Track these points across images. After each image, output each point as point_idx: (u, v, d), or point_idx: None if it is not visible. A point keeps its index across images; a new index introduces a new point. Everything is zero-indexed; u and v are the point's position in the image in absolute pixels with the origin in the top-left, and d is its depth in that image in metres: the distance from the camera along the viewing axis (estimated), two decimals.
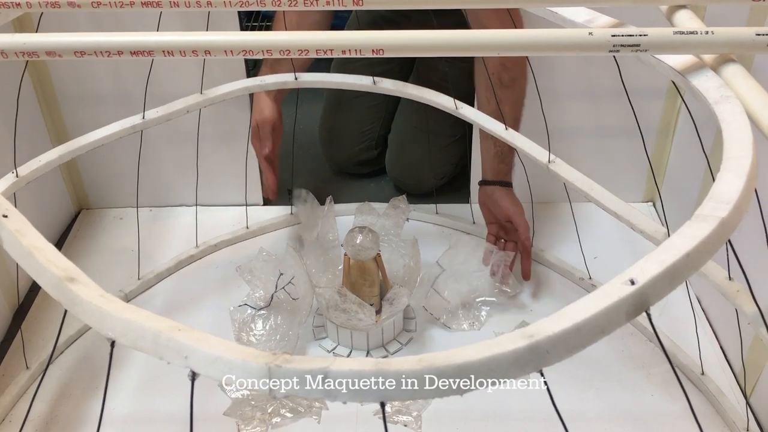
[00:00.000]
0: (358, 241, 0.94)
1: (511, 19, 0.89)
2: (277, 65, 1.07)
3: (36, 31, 0.82)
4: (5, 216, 0.42)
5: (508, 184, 1.06)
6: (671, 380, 0.91)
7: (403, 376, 0.31)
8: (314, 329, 1.01)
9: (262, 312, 0.97)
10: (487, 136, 1.03)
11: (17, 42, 0.51)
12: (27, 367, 0.95)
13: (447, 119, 1.09)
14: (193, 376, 0.34)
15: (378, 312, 0.96)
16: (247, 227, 1.22)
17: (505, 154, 1.05)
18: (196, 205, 1.21)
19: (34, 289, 1.09)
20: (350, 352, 0.98)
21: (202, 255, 1.17)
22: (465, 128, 1.21)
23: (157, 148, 1.19)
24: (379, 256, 0.97)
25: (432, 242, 1.17)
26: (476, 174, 1.24)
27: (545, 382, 0.33)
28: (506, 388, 0.33)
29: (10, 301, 1.06)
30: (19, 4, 0.58)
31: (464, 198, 1.27)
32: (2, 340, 1.02)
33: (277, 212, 1.26)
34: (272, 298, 0.97)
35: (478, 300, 1.03)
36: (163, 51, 0.50)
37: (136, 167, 1.04)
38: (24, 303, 1.08)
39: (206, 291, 1.10)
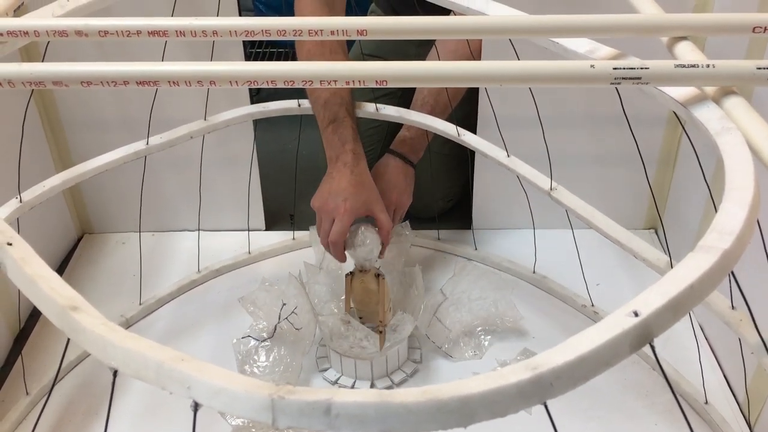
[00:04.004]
0: (357, 237, 0.93)
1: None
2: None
3: (43, 60, 0.83)
4: (9, 244, 0.42)
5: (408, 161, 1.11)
6: (675, 409, 0.90)
7: (407, 408, 0.31)
8: (317, 360, 1.01)
9: (266, 343, 0.96)
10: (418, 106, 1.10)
11: (24, 72, 0.51)
12: (27, 393, 0.95)
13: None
14: (196, 406, 0.34)
15: (382, 332, 0.95)
16: (249, 252, 1.22)
17: (416, 137, 1.10)
18: (198, 230, 1.21)
19: (35, 314, 1.09)
20: (354, 382, 0.98)
21: (204, 280, 1.17)
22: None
23: (160, 174, 1.19)
24: (384, 279, 0.97)
25: (434, 268, 1.17)
26: (478, 200, 1.25)
27: (549, 416, 0.33)
28: (509, 416, 0.33)
29: (11, 326, 1.05)
30: (27, 33, 0.58)
31: (466, 224, 1.28)
32: (2, 365, 1.01)
33: (279, 237, 1.26)
34: (275, 329, 0.96)
35: (479, 328, 1.03)
36: (169, 81, 0.50)
37: (139, 192, 1.04)
38: (25, 328, 1.08)
39: (208, 316, 1.10)
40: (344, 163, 0.96)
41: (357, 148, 0.98)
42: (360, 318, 0.98)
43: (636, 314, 0.35)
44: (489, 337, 1.03)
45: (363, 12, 1.44)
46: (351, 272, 0.99)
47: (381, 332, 0.96)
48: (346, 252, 0.97)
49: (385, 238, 0.97)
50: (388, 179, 1.08)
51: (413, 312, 1.00)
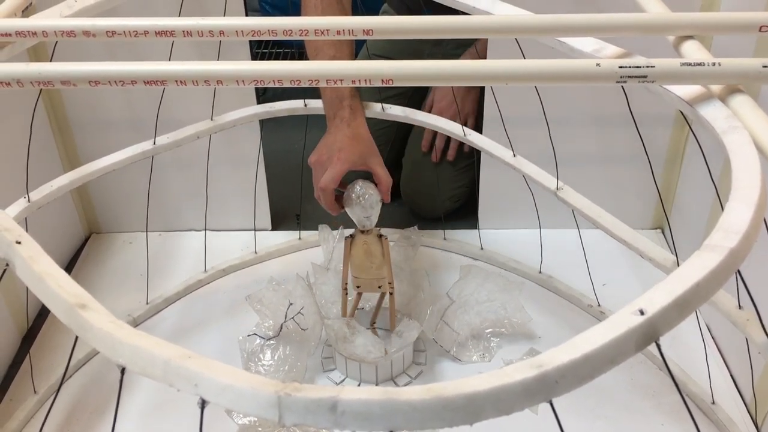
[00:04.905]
0: (354, 191, 0.90)
1: None
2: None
3: (51, 59, 0.83)
4: (18, 242, 0.43)
5: None
6: (682, 409, 0.90)
7: (413, 405, 0.31)
8: (323, 360, 1.01)
9: (271, 342, 0.96)
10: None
11: (32, 71, 0.52)
12: (35, 392, 0.95)
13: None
14: (203, 403, 0.34)
15: (392, 293, 0.93)
16: (256, 252, 1.22)
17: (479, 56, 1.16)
18: (205, 229, 1.21)
19: (43, 313, 1.10)
20: (359, 384, 0.98)
21: (210, 280, 1.18)
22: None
23: (167, 174, 1.20)
24: (386, 239, 0.94)
25: (440, 269, 1.17)
26: (484, 199, 1.25)
27: (555, 414, 0.33)
28: (514, 415, 0.33)
29: (19, 325, 1.06)
30: (35, 33, 0.59)
31: (472, 224, 1.28)
32: (11, 364, 1.02)
33: (285, 237, 1.26)
34: (281, 328, 0.96)
35: (487, 331, 1.03)
36: (176, 80, 0.51)
37: (147, 192, 1.05)
38: (33, 327, 1.08)
39: (214, 316, 1.10)
40: (341, 119, 0.95)
41: (354, 104, 0.96)
42: (358, 287, 0.95)
43: (642, 313, 0.35)
44: (497, 339, 1.02)
45: (372, 14, 1.44)
46: (351, 235, 0.95)
47: (391, 294, 0.93)
48: (347, 211, 0.93)
49: (385, 194, 0.93)
50: (443, 90, 1.15)
51: (419, 315, 1.00)
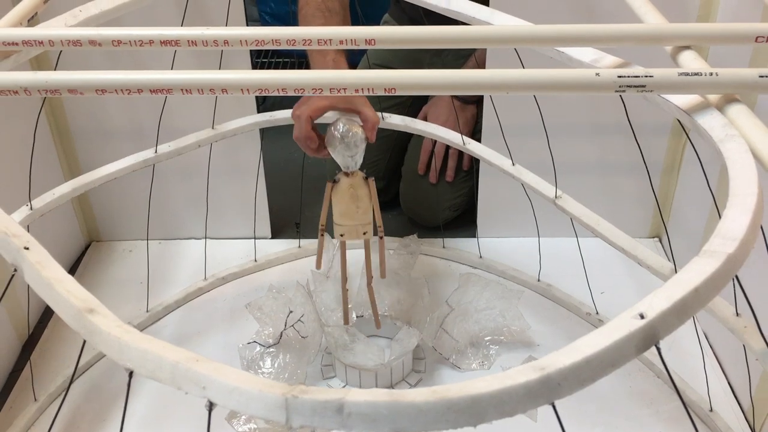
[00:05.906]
0: (338, 127, 0.84)
1: None
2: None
3: (55, 69, 0.84)
4: (27, 248, 0.43)
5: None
6: (680, 417, 0.91)
7: (417, 407, 0.32)
8: (323, 368, 1.01)
9: (271, 350, 0.96)
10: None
11: (39, 80, 0.52)
12: (35, 399, 0.95)
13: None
14: (210, 406, 0.34)
15: (382, 237, 0.88)
16: (255, 260, 1.22)
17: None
18: (206, 238, 1.22)
19: (44, 320, 1.10)
20: None
21: (210, 288, 1.18)
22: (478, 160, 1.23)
23: (167, 182, 1.20)
24: (373, 181, 0.90)
25: (440, 277, 1.18)
26: (483, 208, 1.25)
27: (557, 416, 0.33)
28: (516, 419, 0.33)
29: (19, 332, 1.06)
30: (41, 43, 0.59)
31: (471, 233, 1.28)
32: (11, 371, 1.02)
33: (285, 245, 1.26)
34: (281, 335, 0.97)
35: (486, 338, 1.03)
36: (182, 89, 0.51)
37: (147, 200, 1.05)
38: (33, 334, 1.08)
39: (214, 324, 1.10)
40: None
41: (338, 57, 0.92)
42: (342, 235, 0.90)
43: (642, 317, 0.35)
44: (496, 347, 1.03)
45: (373, 24, 1.45)
46: (334, 179, 0.89)
47: (381, 238, 0.89)
48: (329, 151, 0.87)
49: (370, 132, 0.87)
50: (437, 104, 1.16)
51: (419, 323, 1.01)
